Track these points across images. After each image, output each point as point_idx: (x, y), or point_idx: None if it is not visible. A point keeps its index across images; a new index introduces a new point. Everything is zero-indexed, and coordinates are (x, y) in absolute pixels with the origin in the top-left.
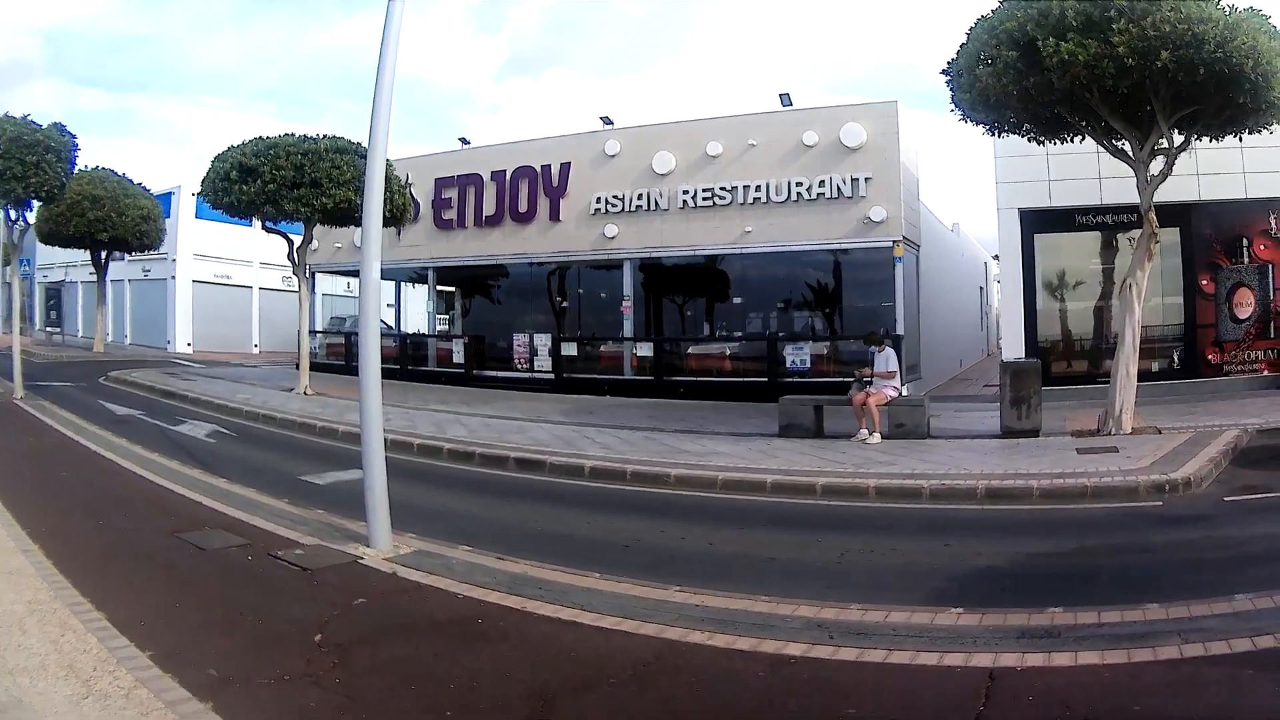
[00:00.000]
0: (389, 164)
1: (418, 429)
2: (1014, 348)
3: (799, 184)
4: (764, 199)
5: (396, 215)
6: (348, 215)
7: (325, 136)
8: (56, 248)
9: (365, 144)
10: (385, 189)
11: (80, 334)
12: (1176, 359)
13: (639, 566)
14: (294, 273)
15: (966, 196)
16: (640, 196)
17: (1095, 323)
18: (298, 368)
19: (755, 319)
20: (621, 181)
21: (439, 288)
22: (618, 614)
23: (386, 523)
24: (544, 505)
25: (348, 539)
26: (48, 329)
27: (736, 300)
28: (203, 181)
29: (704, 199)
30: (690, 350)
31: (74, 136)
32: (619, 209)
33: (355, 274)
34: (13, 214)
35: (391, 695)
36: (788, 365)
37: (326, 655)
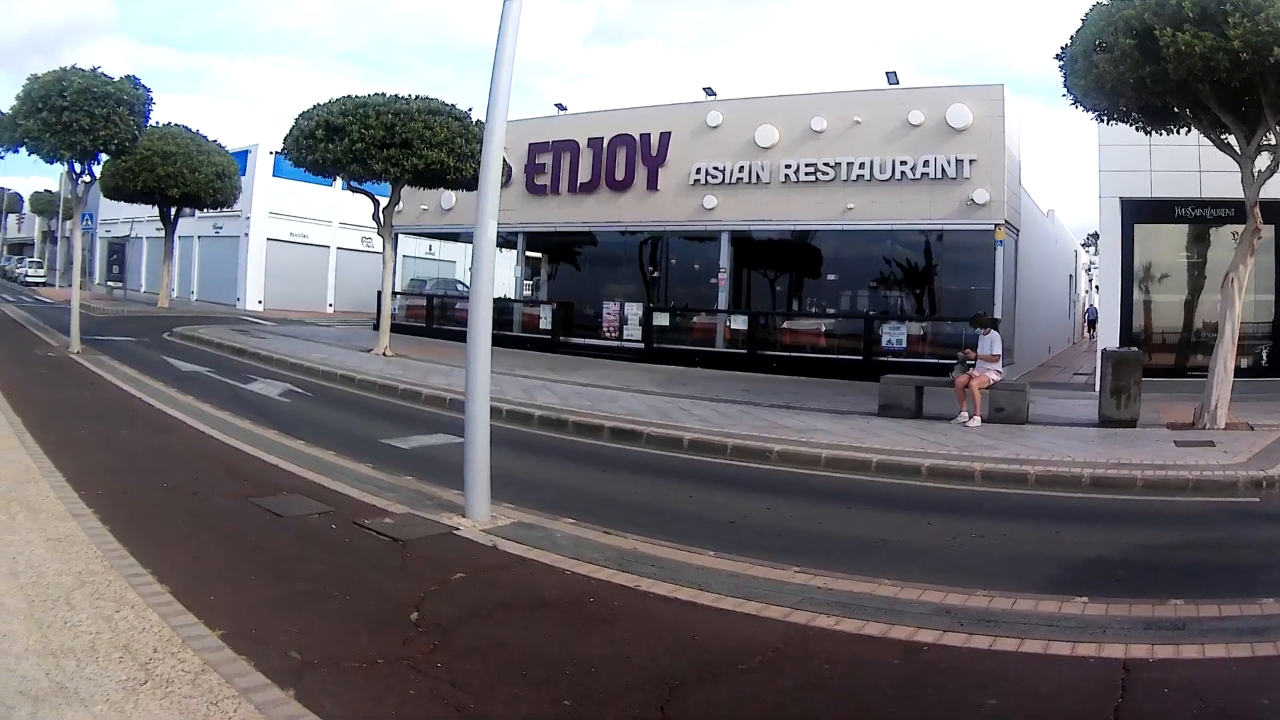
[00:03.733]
0: (483, 126)
1: (506, 394)
2: (1109, 337)
3: (903, 163)
4: (867, 176)
5: None
6: (439, 177)
7: (417, 97)
8: (123, 203)
9: (458, 106)
10: (480, 150)
11: (144, 289)
12: (1265, 356)
13: (748, 545)
14: (378, 233)
15: (1056, 184)
16: (741, 169)
17: (1185, 316)
18: (375, 328)
19: (848, 297)
20: (722, 153)
21: (525, 253)
22: (738, 595)
23: (486, 492)
24: (642, 477)
25: (440, 508)
26: (109, 283)
27: (831, 277)
28: (285, 139)
29: (806, 174)
30: (785, 325)
31: (148, 90)
32: (719, 180)
33: (440, 236)
34: (77, 167)
35: (500, 682)
36: (883, 344)
37: (425, 636)
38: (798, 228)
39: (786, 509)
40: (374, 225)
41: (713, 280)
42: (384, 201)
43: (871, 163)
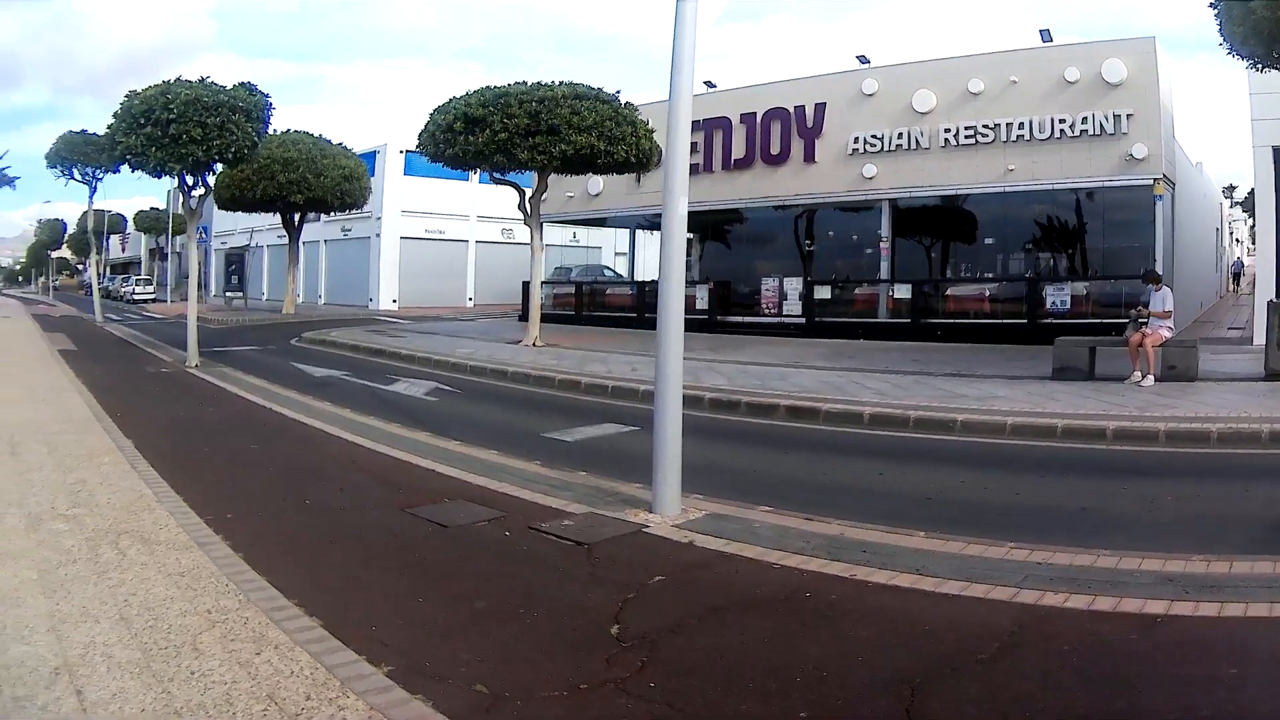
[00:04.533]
0: (633, 108)
1: None
2: (1267, 289)
3: (1061, 121)
4: (1027, 136)
5: (642, 160)
6: (589, 162)
7: (561, 83)
8: (239, 213)
9: (604, 90)
10: (632, 134)
11: (265, 298)
12: None
13: (950, 521)
14: (525, 223)
15: (1196, 138)
16: (900, 135)
17: None
18: (521, 319)
19: (1001, 260)
20: (880, 120)
21: None
22: (959, 577)
23: (677, 484)
24: (826, 456)
25: (623, 504)
26: (227, 294)
27: (988, 241)
28: (421, 135)
29: (966, 137)
30: (948, 292)
31: (266, 96)
32: (877, 148)
33: (586, 223)
34: (190, 180)
35: (724, 698)
36: (1047, 306)
37: (630, 652)
38: (959, 192)
39: (978, 481)
40: (516, 216)
41: (868, 251)
42: (529, 191)
43: (1030, 122)
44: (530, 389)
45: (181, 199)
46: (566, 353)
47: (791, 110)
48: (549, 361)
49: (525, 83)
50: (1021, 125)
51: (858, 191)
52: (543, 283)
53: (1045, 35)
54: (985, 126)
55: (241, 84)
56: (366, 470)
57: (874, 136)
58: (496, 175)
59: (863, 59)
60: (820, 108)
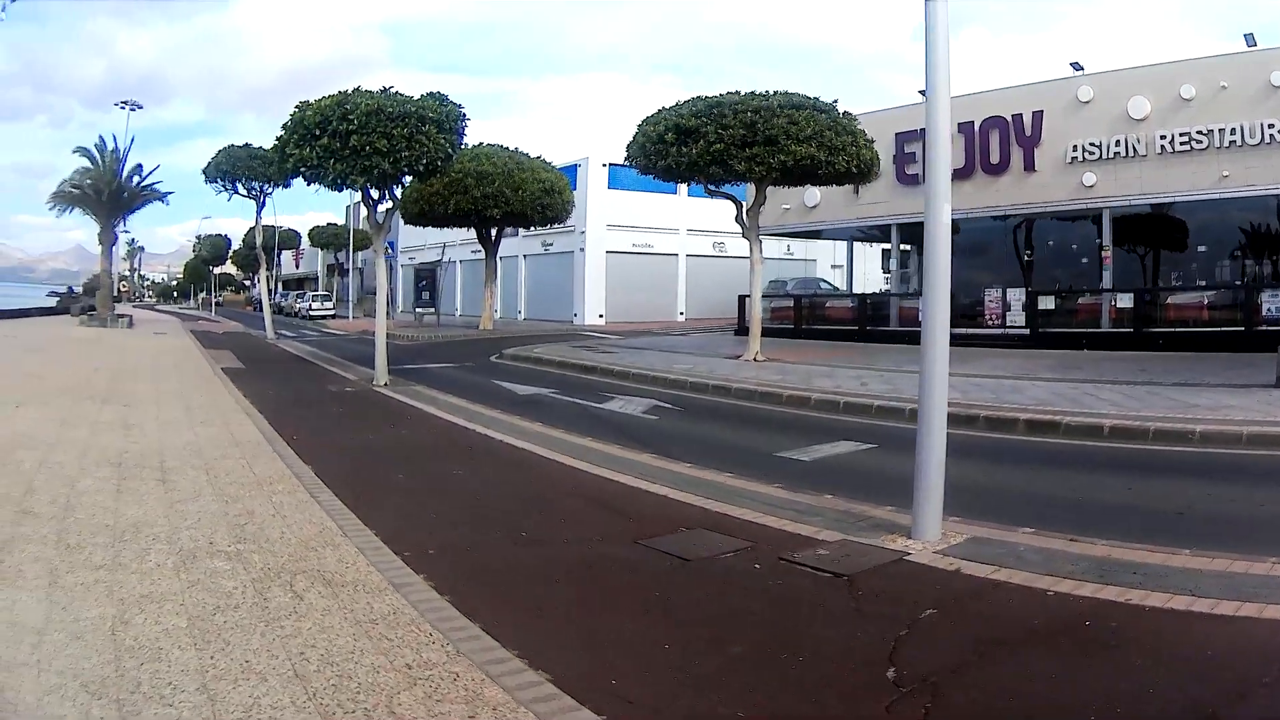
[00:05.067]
0: (851, 118)
1: (903, 392)
2: None
3: (1270, 125)
4: (1239, 142)
5: (863, 171)
6: (809, 173)
7: (776, 92)
8: (428, 228)
9: (820, 99)
10: (852, 144)
11: (459, 313)
12: None
13: (1208, 537)
14: (743, 235)
15: None
16: (1117, 143)
17: None
18: (736, 333)
19: (1214, 267)
20: (1096, 128)
21: (884, 246)
22: (1232, 597)
23: (939, 508)
24: (1071, 471)
25: (877, 529)
26: (417, 309)
27: (1200, 249)
28: (629, 147)
29: (1181, 144)
30: (1169, 300)
31: (459, 107)
32: (1095, 156)
33: (802, 235)
34: (375, 193)
35: None
36: (1264, 313)
37: (912, 698)
38: (1176, 200)
39: (1223, 493)
40: (728, 229)
41: (1083, 260)
42: (746, 203)
43: (1241, 128)
44: (756, 405)
45: (366, 213)
46: (790, 367)
47: (1009, 119)
48: (773, 377)
49: (738, 92)
50: (1234, 131)
51: (1078, 200)
52: (750, 296)
53: (1250, 39)
54: (1199, 133)
55: (430, 94)
56: (589, 497)
57: (1092, 144)
58: (711, 188)
59: (1076, 65)
60: (1037, 115)
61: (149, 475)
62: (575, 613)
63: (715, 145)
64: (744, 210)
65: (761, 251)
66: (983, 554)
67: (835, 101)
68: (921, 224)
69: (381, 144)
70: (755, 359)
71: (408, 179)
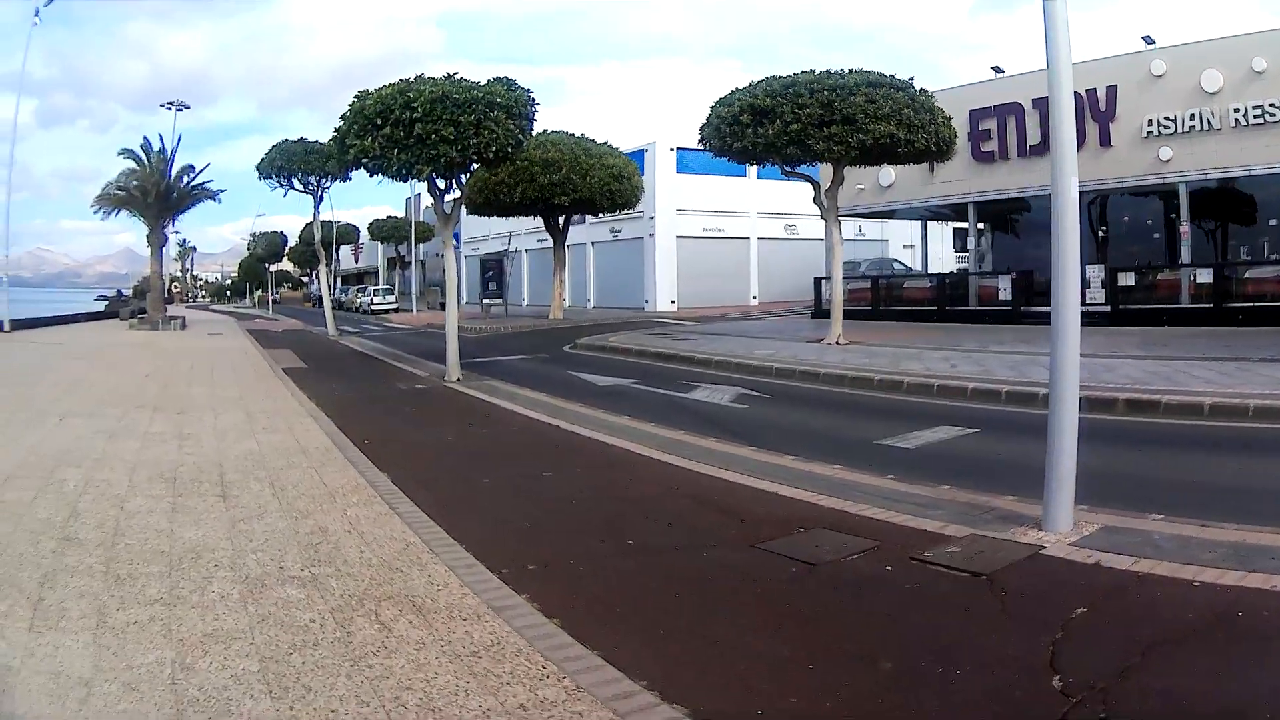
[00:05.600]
0: (928, 95)
1: (995, 374)
2: None
3: None
4: None
5: (942, 148)
6: (888, 151)
7: (851, 71)
8: (492, 218)
9: (896, 77)
10: (931, 121)
11: (525, 303)
12: None
13: None
14: (821, 216)
15: None
16: (1192, 117)
17: None
18: (813, 316)
19: (1270, 242)
20: (1170, 102)
21: (956, 225)
22: None
23: (1071, 497)
24: (1178, 451)
25: (1003, 520)
26: (484, 301)
27: (1272, 222)
28: (702, 129)
29: (1255, 117)
30: (1248, 275)
31: (528, 91)
32: (1170, 131)
33: (876, 216)
34: (441, 183)
35: None
36: None
37: (1084, 708)
38: (1252, 174)
39: None
40: (799, 211)
41: (1155, 236)
42: (824, 184)
43: None
44: (846, 391)
45: (433, 203)
46: (874, 350)
47: (1084, 94)
48: (860, 360)
49: (812, 71)
50: None
51: (1155, 175)
52: (827, 279)
53: None
54: (1271, 105)
55: (497, 79)
56: (692, 496)
57: (1167, 119)
58: (788, 169)
59: (1148, 39)
60: (1111, 90)
61: (207, 491)
62: (702, 632)
63: (792, 125)
64: (821, 191)
65: (841, 233)
66: (1118, 544)
67: (911, 79)
68: (999, 201)
69: (448, 131)
70: (838, 342)
71: (474, 167)
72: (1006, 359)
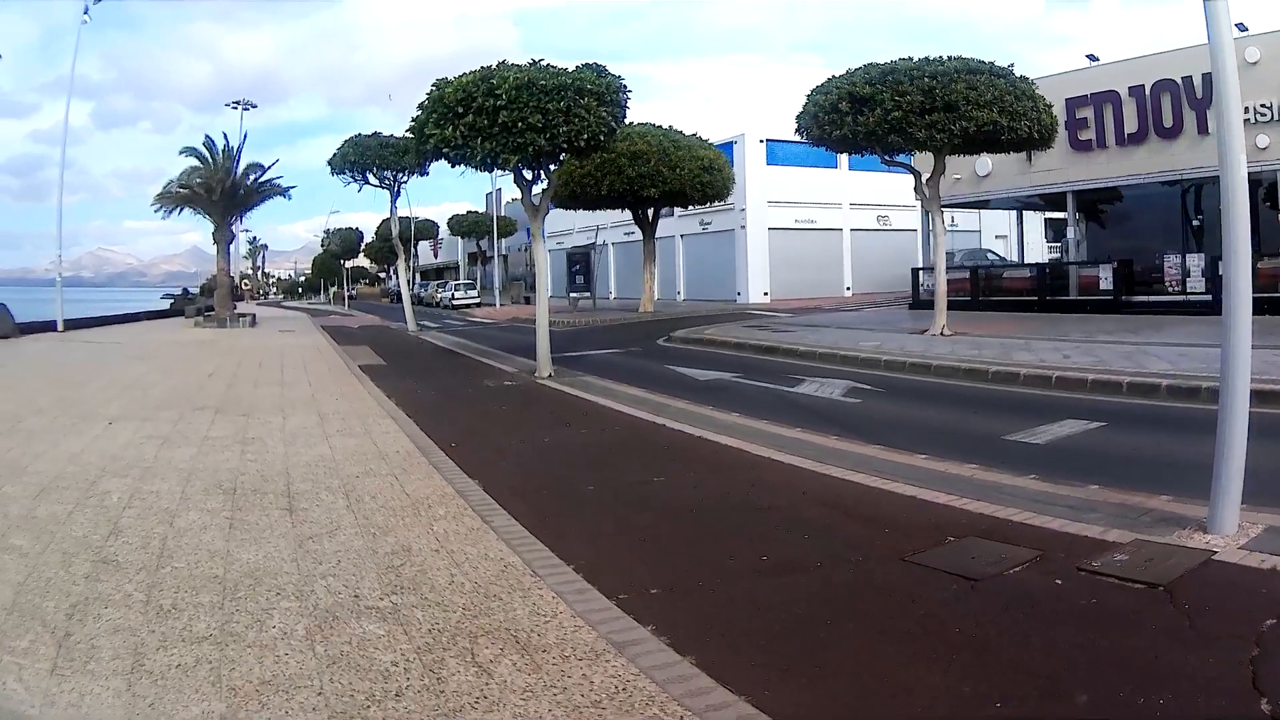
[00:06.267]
0: (1029, 82)
1: (1110, 365)
2: None
3: None
4: None
5: (1044, 136)
6: (991, 139)
7: (950, 57)
8: (578, 211)
9: (996, 64)
10: (1033, 108)
11: (613, 296)
12: None
13: None
14: (924, 206)
15: None
16: None
17: None
18: (910, 307)
19: None
20: (1265, 89)
21: (1047, 215)
22: None
23: (1238, 498)
24: None
25: (1164, 524)
26: (571, 294)
27: None
28: (799, 117)
29: None
30: None
31: (619, 78)
32: (1267, 118)
33: (971, 205)
34: (528, 174)
35: None
36: None
37: None
38: None
39: None
40: (889, 203)
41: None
42: (926, 174)
43: None
44: (960, 383)
45: (521, 195)
46: (980, 340)
47: (1179, 81)
48: (969, 351)
49: (911, 58)
50: None
51: (1253, 163)
52: (925, 269)
53: None
54: None
55: (586, 65)
56: (822, 502)
57: (1263, 105)
58: (889, 158)
59: (1241, 26)
60: (1206, 78)
61: (271, 504)
62: (864, 667)
63: (893, 113)
64: (922, 181)
65: (944, 222)
66: None
67: (1010, 66)
68: (1092, 191)
69: (536, 119)
70: (942, 333)
71: (564, 157)
72: (1118, 349)
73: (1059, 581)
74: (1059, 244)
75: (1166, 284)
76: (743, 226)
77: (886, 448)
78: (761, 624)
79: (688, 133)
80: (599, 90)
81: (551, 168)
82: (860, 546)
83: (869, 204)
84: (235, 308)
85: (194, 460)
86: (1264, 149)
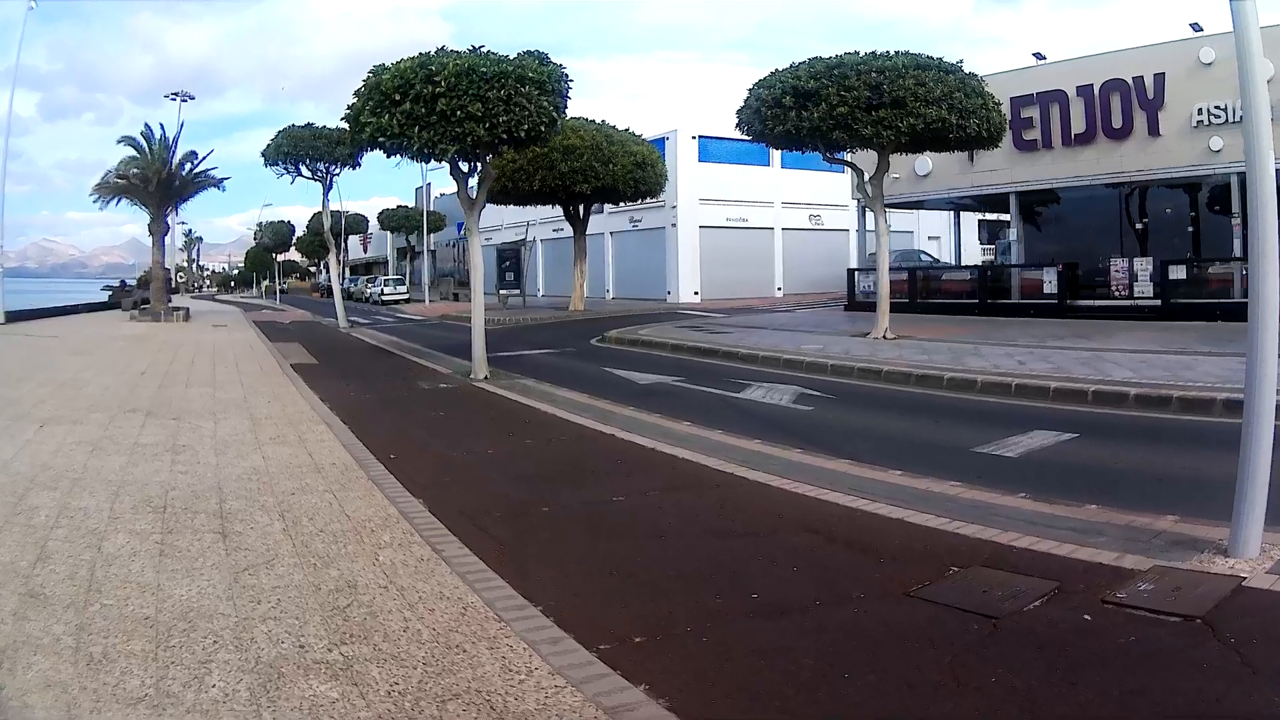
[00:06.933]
0: (978, 78)
1: (1071, 371)
2: None
3: None
4: None
5: (993, 134)
6: (939, 137)
7: (898, 53)
8: (508, 207)
9: (944, 59)
10: (983, 106)
11: (541, 293)
12: None
13: None
14: (867, 205)
15: None
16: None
17: None
18: (845, 309)
19: None
20: (1221, 91)
21: (979, 217)
22: None
23: (1261, 519)
24: None
25: (1180, 547)
26: (501, 291)
27: None
28: (740, 112)
29: None
30: None
31: (561, 67)
32: (1222, 120)
33: (906, 206)
34: (464, 166)
35: None
36: None
37: None
38: None
39: None
40: (822, 202)
41: (1187, 230)
42: (869, 171)
43: None
44: (914, 390)
45: (458, 188)
46: (927, 344)
47: (1130, 81)
48: (918, 356)
49: (858, 52)
50: None
51: (1205, 165)
52: (860, 270)
53: None
54: None
55: (528, 52)
56: (804, 526)
57: (1217, 108)
58: (835, 155)
59: (1195, 26)
60: (1159, 78)
61: (203, 525)
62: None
63: (839, 108)
64: (866, 179)
65: (887, 222)
66: None
67: (960, 62)
68: (1034, 192)
69: (475, 108)
70: (885, 336)
71: (503, 148)
72: (1072, 355)
73: (1087, 617)
74: (993, 246)
75: (1113, 288)
76: (674, 224)
77: (856, 462)
78: (771, 680)
79: (621, 128)
80: (541, 79)
81: (489, 159)
82: (857, 580)
83: (801, 203)
84: (170, 301)
85: (124, 471)
86: (1218, 151)
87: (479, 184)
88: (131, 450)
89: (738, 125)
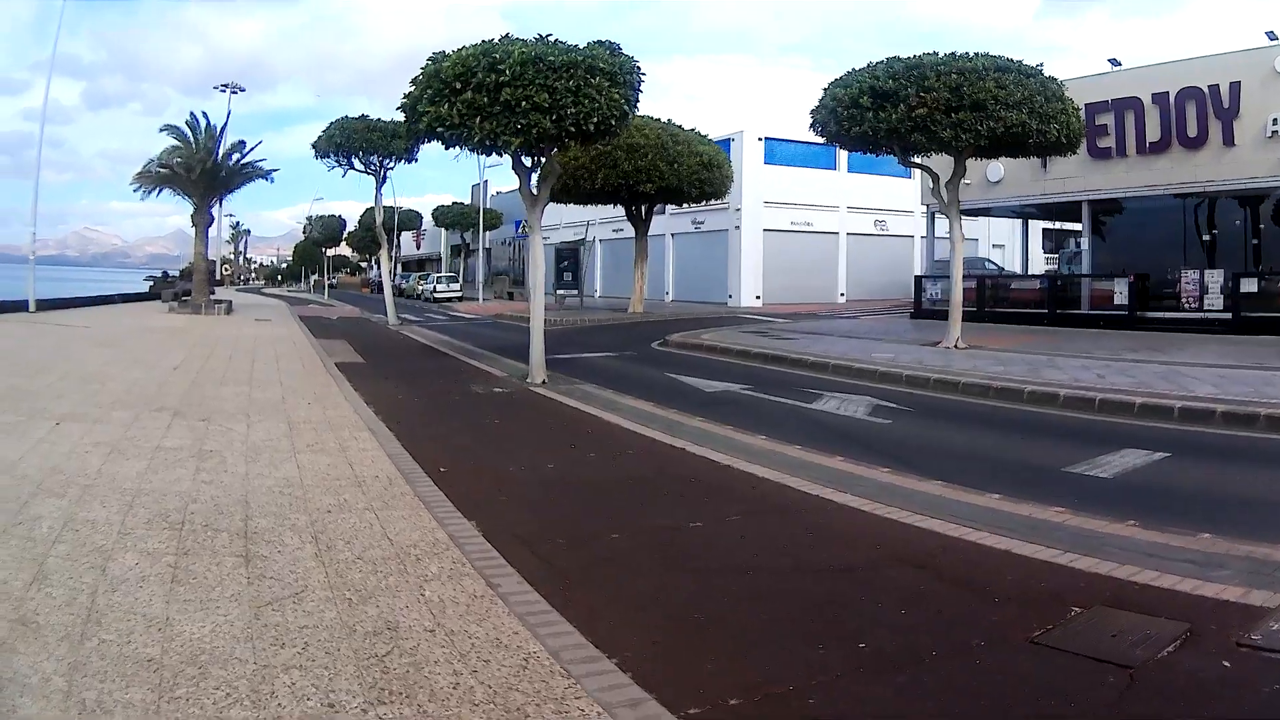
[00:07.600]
0: (1058, 83)
1: (1152, 386)
2: None
3: None
4: None
5: (1072, 140)
6: (1018, 142)
7: (978, 54)
8: (569, 205)
9: (1024, 62)
10: (1063, 111)
11: (598, 294)
12: None
13: None
14: (941, 210)
15: None
16: None
17: None
18: (912, 316)
19: None
20: None
21: (1045, 225)
22: None
23: None
24: None
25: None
26: (559, 291)
27: None
28: (815, 111)
29: None
30: None
31: (633, 59)
32: None
33: (977, 213)
34: (527, 160)
35: None
36: None
37: None
38: None
39: None
40: (887, 207)
41: (1253, 241)
42: (944, 177)
43: None
44: (992, 403)
45: (520, 184)
46: (1001, 355)
47: (1206, 89)
48: (995, 368)
49: (936, 53)
50: None
51: (1274, 177)
52: (928, 278)
53: None
54: None
55: (598, 42)
56: (905, 559)
57: None
58: (908, 158)
59: (1271, 35)
60: (1235, 86)
61: (224, 547)
62: None
63: (918, 110)
64: (942, 184)
65: (961, 228)
66: None
67: (1040, 65)
68: (1106, 200)
69: (542, 98)
70: (957, 346)
71: (569, 142)
72: (1151, 369)
73: (1226, 664)
74: (1056, 255)
75: (1183, 300)
76: (737, 227)
77: (948, 484)
78: None
79: (686, 127)
80: (612, 70)
81: (554, 153)
82: (975, 625)
83: (867, 208)
84: (213, 293)
85: (141, 478)
86: None
87: (542, 180)
88: (152, 454)
89: (811, 126)
